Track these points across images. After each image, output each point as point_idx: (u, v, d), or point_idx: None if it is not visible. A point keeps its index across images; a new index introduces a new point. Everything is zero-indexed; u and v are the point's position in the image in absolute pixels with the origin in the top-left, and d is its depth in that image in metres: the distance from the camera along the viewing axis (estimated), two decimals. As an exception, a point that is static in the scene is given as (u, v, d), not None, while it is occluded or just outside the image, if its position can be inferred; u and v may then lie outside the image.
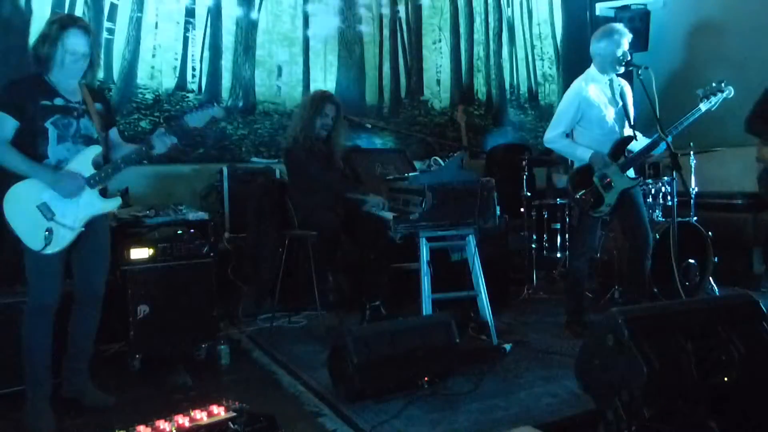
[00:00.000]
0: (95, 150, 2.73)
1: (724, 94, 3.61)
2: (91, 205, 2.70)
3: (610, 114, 3.67)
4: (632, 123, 3.68)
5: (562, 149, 3.78)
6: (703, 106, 3.59)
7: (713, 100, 3.59)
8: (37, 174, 2.59)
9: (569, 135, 3.72)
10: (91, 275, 2.82)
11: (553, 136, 3.71)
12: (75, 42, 2.64)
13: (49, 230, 2.56)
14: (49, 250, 2.57)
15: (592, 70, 3.72)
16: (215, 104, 2.88)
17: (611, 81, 3.70)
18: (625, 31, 3.66)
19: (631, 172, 3.66)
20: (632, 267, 3.77)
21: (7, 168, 2.58)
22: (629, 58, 3.63)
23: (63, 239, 2.61)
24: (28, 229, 2.56)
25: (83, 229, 2.67)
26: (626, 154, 3.62)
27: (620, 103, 3.68)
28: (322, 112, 3.99)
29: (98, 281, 2.84)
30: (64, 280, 2.74)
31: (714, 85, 3.62)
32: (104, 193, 2.79)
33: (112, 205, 2.81)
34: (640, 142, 3.68)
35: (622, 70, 3.68)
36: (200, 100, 4.96)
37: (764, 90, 4.26)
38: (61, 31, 2.63)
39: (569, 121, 3.68)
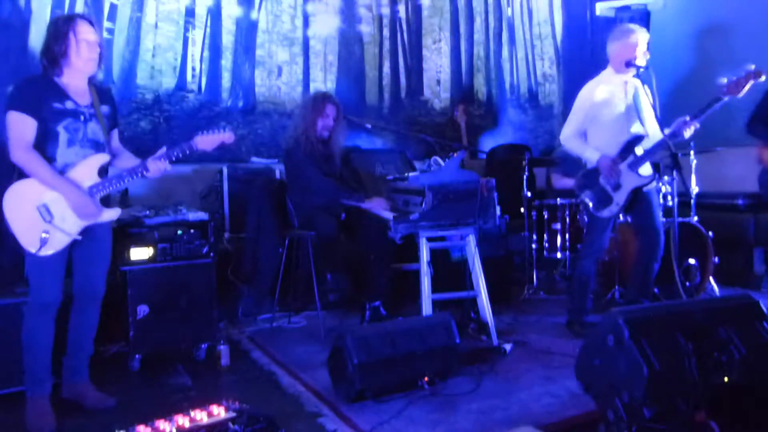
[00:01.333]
0: (102, 158, 2.74)
1: (754, 80, 3.29)
2: (91, 212, 2.69)
3: (621, 115, 3.66)
4: (643, 124, 3.68)
5: (572, 149, 3.78)
6: (727, 97, 3.34)
7: (740, 89, 3.31)
8: (64, 191, 2.59)
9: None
10: (91, 275, 2.82)
11: (566, 135, 3.76)
12: (86, 30, 2.65)
13: (46, 233, 2.56)
14: (43, 253, 2.56)
15: (607, 70, 3.74)
16: (226, 130, 2.90)
17: (625, 83, 3.70)
18: (642, 30, 3.63)
19: (645, 169, 3.64)
20: (639, 268, 3.76)
21: (30, 174, 2.58)
22: (647, 57, 3.59)
23: (58, 243, 2.61)
24: (25, 229, 2.56)
25: (79, 237, 2.66)
26: (636, 153, 3.61)
27: (632, 103, 3.68)
28: (323, 113, 3.99)
29: (98, 281, 2.85)
30: (66, 278, 2.74)
31: (742, 72, 3.31)
32: (106, 202, 2.79)
33: (112, 215, 2.80)
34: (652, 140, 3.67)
35: (633, 71, 3.66)
36: (201, 101, 4.97)
37: (765, 92, 4.24)
38: (70, 23, 2.64)
39: (579, 122, 3.71)
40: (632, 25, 3.70)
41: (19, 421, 2.64)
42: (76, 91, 2.71)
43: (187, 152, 2.82)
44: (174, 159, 2.81)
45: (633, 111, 3.68)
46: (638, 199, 3.65)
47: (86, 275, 2.82)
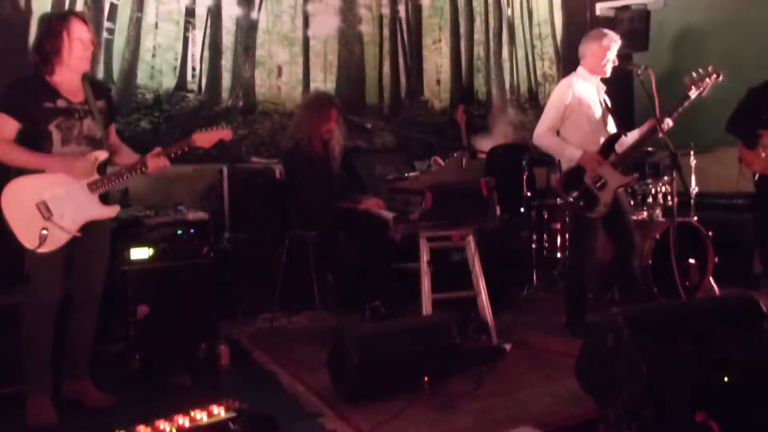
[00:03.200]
0: (100, 155, 2.73)
1: (713, 80, 3.50)
2: (90, 210, 2.69)
3: (598, 112, 3.68)
4: (612, 125, 3.70)
5: (549, 146, 3.71)
6: (693, 93, 3.51)
7: (701, 86, 3.50)
8: (51, 164, 2.59)
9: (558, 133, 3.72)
10: (90, 274, 2.82)
11: (540, 131, 3.69)
12: (79, 29, 2.64)
13: (45, 229, 2.55)
14: (43, 250, 2.56)
15: (580, 69, 3.74)
16: (224, 126, 2.91)
17: (597, 84, 3.74)
18: (616, 37, 3.67)
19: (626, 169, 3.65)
20: (621, 269, 3.77)
21: (15, 165, 2.58)
22: (615, 65, 3.66)
23: (58, 240, 2.60)
24: (24, 227, 2.55)
25: (78, 234, 2.65)
26: (617, 151, 3.61)
27: (605, 104, 3.71)
28: (328, 118, 3.98)
29: (96, 280, 2.85)
30: (65, 277, 2.74)
31: (701, 71, 3.53)
32: (105, 199, 2.79)
33: (111, 212, 2.80)
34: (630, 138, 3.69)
35: (608, 74, 3.69)
36: (201, 101, 4.97)
37: (747, 91, 4.24)
38: (64, 22, 2.63)
39: (555, 114, 3.65)
40: (608, 31, 3.71)
41: (21, 421, 2.64)
42: (69, 88, 2.70)
43: (186, 149, 2.81)
44: (173, 156, 2.80)
45: (606, 111, 3.71)
46: (615, 200, 3.64)
47: (85, 274, 2.82)
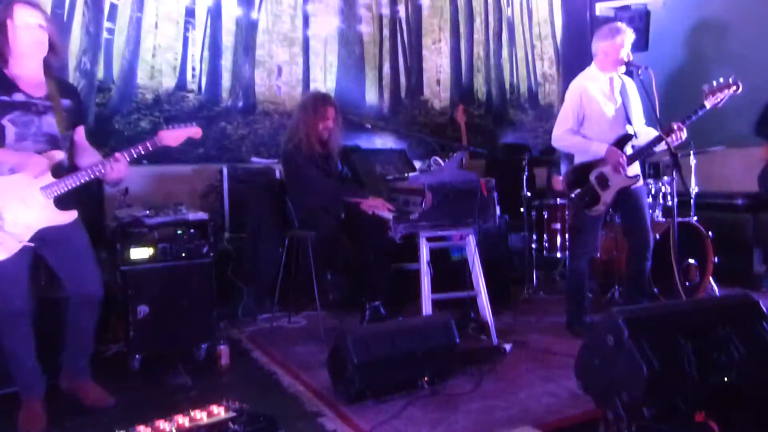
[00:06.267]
0: (56, 155, 2.58)
1: (731, 91, 3.46)
2: (46, 216, 2.56)
3: (609, 111, 3.65)
4: (631, 120, 3.67)
5: (572, 146, 3.71)
6: (708, 103, 3.47)
7: (719, 96, 3.46)
8: (3, 158, 2.45)
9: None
10: (79, 276, 2.72)
11: (560, 133, 3.68)
12: (24, 14, 2.51)
13: None
14: None
15: (592, 68, 3.71)
16: (193, 124, 2.78)
17: (611, 79, 3.69)
18: (629, 31, 3.63)
19: (632, 169, 3.64)
20: (631, 268, 3.78)
21: None
22: (630, 59, 3.62)
23: (10, 248, 2.48)
24: None
25: (32, 244, 2.53)
26: (626, 152, 3.60)
27: (619, 101, 3.67)
28: (324, 116, 3.98)
29: (88, 280, 2.74)
30: (33, 282, 2.63)
31: (721, 81, 3.48)
32: (64, 203, 2.62)
33: (67, 218, 2.63)
34: (641, 139, 3.68)
35: (622, 70, 3.67)
36: (201, 101, 4.97)
37: None
38: (6, 11, 2.51)
39: (576, 115, 3.65)
40: (621, 25, 3.67)
41: (15, 422, 2.63)
42: (29, 82, 2.58)
43: (150, 149, 2.66)
44: (135, 157, 2.65)
45: (621, 108, 3.66)
46: (626, 200, 3.64)
47: (74, 277, 2.71)
